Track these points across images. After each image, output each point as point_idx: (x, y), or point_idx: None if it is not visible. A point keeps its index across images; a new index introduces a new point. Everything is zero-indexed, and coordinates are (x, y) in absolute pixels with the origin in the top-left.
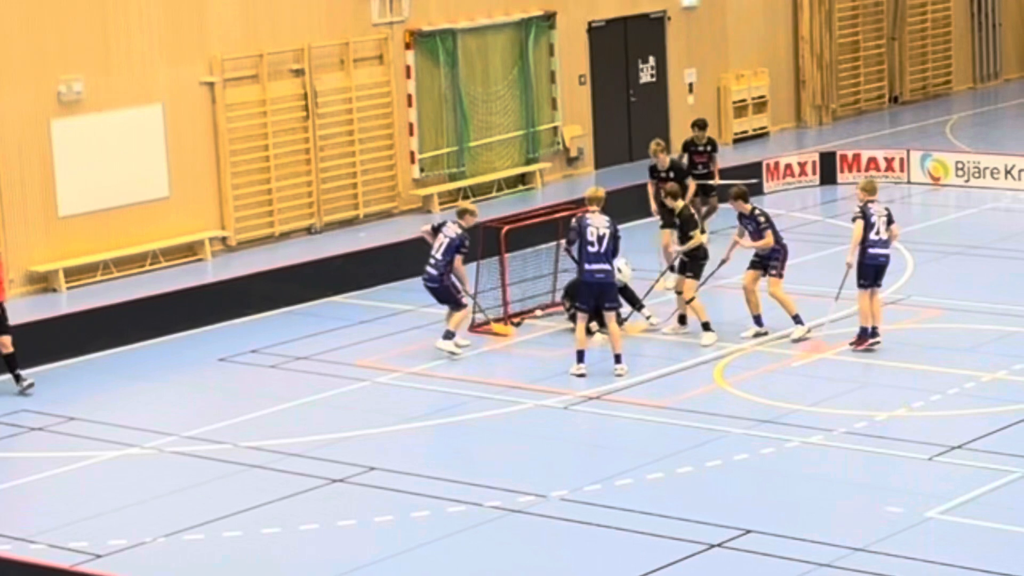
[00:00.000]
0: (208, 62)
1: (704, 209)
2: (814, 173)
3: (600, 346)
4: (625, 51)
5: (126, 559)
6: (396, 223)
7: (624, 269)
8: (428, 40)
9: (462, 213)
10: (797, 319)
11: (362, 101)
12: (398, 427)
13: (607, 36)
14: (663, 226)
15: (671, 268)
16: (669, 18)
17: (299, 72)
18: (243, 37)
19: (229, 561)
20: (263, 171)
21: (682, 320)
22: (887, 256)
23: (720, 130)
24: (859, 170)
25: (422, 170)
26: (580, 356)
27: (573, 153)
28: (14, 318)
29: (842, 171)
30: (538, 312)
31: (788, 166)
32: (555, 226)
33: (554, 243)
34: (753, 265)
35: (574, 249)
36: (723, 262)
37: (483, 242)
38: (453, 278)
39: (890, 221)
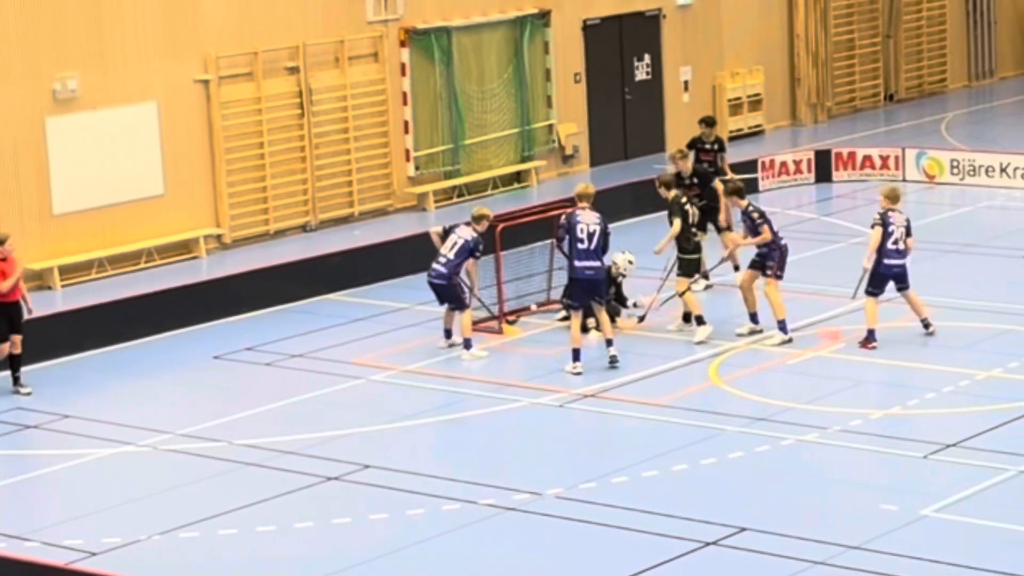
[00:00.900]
0: (203, 60)
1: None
2: (809, 171)
3: (598, 340)
4: (620, 49)
5: (121, 557)
6: (391, 221)
7: (621, 262)
8: (423, 38)
9: (478, 218)
10: (782, 325)
11: (357, 99)
12: (393, 425)
13: (602, 34)
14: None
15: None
16: (664, 16)
17: (294, 70)
18: (238, 34)
19: (224, 559)
20: (258, 169)
21: (686, 319)
22: (902, 266)
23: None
24: (854, 168)
25: (417, 168)
26: (576, 354)
27: (568, 151)
28: None
29: (837, 169)
30: (533, 307)
31: (783, 164)
32: (550, 224)
33: (549, 241)
34: (753, 264)
35: (564, 246)
36: (723, 260)
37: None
38: (463, 279)
39: (908, 232)
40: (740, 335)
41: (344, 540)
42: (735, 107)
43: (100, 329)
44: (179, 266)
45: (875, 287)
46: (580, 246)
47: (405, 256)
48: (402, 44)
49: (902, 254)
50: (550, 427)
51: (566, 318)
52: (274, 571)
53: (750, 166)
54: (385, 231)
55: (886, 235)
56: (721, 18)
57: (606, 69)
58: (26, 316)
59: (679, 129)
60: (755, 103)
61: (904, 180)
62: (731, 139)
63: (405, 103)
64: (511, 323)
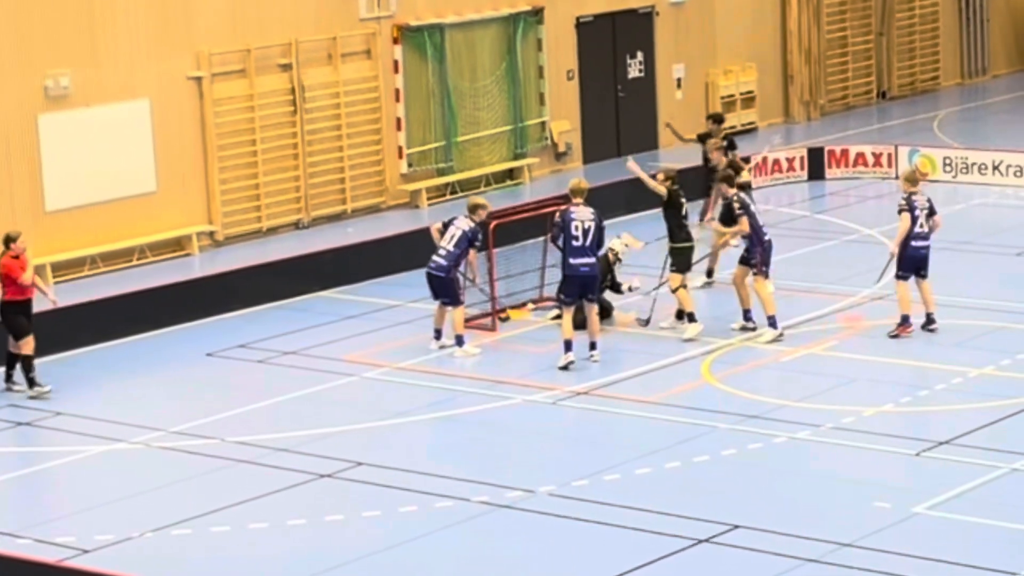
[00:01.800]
0: (195, 57)
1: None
2: (802, 169)
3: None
4: (613, 46)
5: (113, 554)
6: (384, 218)
7: (618, 246)
8: (416, 35)
9: (474, 208)
10: (771, 321)
11: (350, 96)
12: (386, 422)
13: (595, 31)
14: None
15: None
16: (657, 13)
17: (287, 67)
18: (230, 32)
19: (217, 556)
20: (251, 166)
21: (679, 316)
22: (927, 248)
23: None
24: (847, 166)
25: (410, 165)
26: (568, 346)
27: (561, 148)
28: None
29: (830, 166)
30: (529, 306)
31: (776, 161)
32: (543, 221)
33: (542, 238)
34: (742, 260)
35: (560, 243)
36: (710, 254)
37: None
38: (463, 273)
39: (931, 212)
40: (734, 330)
41: (337, 537)
42: (728, 104)
43: (92, 326)
44: (172, 263)
45: (904, 270)
46: (575, 243)
47: (398, 253)
48: (395, 41)
49: (927, 236)
50: (543, 424)
51: (559, 316)
52: (267, 568)
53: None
54: (378, 228)
55: (913, 219)
56: (714, 15)
57: (599, 66)
58: (51, 307)
59: (672, 126)
60: (748, 100)
61: (897, 178)
62: (724, 136)
63: (398, 100)
64: (504, 320)
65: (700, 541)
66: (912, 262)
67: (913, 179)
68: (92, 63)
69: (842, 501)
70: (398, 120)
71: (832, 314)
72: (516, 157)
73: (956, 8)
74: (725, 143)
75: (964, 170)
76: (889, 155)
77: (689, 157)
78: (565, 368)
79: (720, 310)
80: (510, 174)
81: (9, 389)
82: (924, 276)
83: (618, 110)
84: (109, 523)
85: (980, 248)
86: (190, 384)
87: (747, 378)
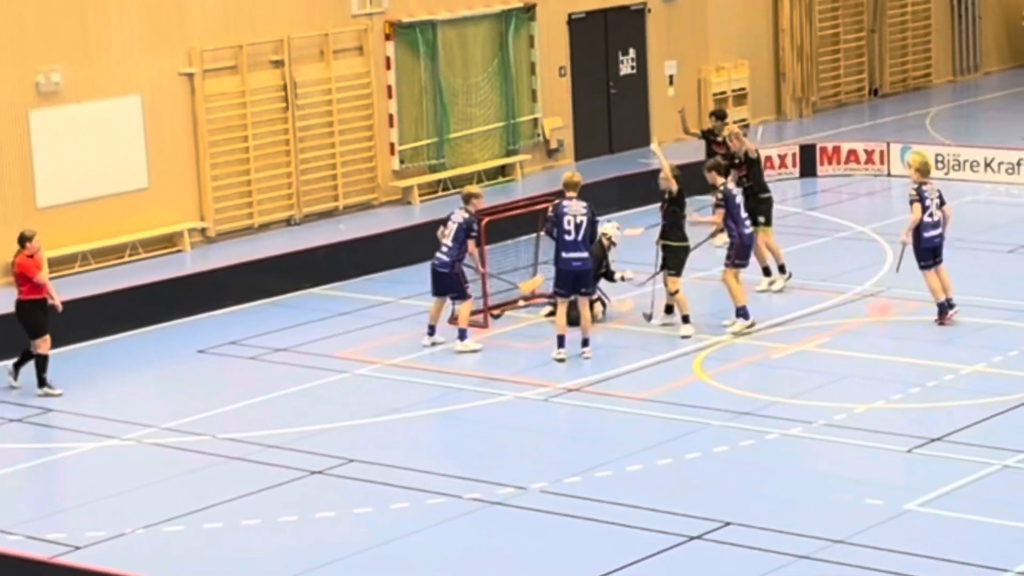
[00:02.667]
0: (187, 53)
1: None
2: (794, 165)
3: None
4: (605, 43)
5: (105, 551)
6: (376, 215)
7: (611, 230)
8: (408, 31)
9: (468, 198)
10: (741, 312)
11: (342, 92)
12: (377, 419)
13: (587, 28)
14: (753, 223)
15: (766, 271)
16: (649, 10)
17: (279, 63)
18: (222, 28)
19: (208, 553)
20: (242, 162)
21: (668, 310)
22: (941, 236)
23: (700, 122)
24: (839, 163)
25: (402, 161)
26: (560, 341)
27: (553, 145)
28: None
29: (822, 164)
30: (520, 303)
31: (768, 158)
32: (535, 218)
33: (534, 235)
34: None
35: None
36: (708, 237)
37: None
38: (468, 267)
39: (942, 202)
40: (725, 327)
41: (328, 534)
42: (720, 101)
43: (84, 323)
44: (163, 260)
45: (925, 260)
46: (567, 237)
47: (390, 250)
48: (387, 37)
49: (938, 224)
50: (535, 421)
51: (551, 313)
52: (259, 564)
53: None
54: (370, 225)
55: (923, 209)
56: (706, 12)
57: (591, 63)
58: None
59: (664, 123)
60: (740, 97)
61: (889, 175)
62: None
63: (390, 97)
64: (496, 316)
65: (692, 538)
66: (928, 252)
67: (924, 170)
68: (84, 59)
69: (834, 498)
70: (390, 117)
71: (820, 312)
72: (508, 154)
73: (948, 5)
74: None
75: (956, 167)
76: (881, 152)
77: (690, 153)
78: (560, 360)
79: (714, 307)
80: (502, 171)
81: (11, 386)
82: (939, 262)
83: (610, 107)
84: (101, 520)
85: (972, 245)
86: (182, 381)
87: (739, 375)
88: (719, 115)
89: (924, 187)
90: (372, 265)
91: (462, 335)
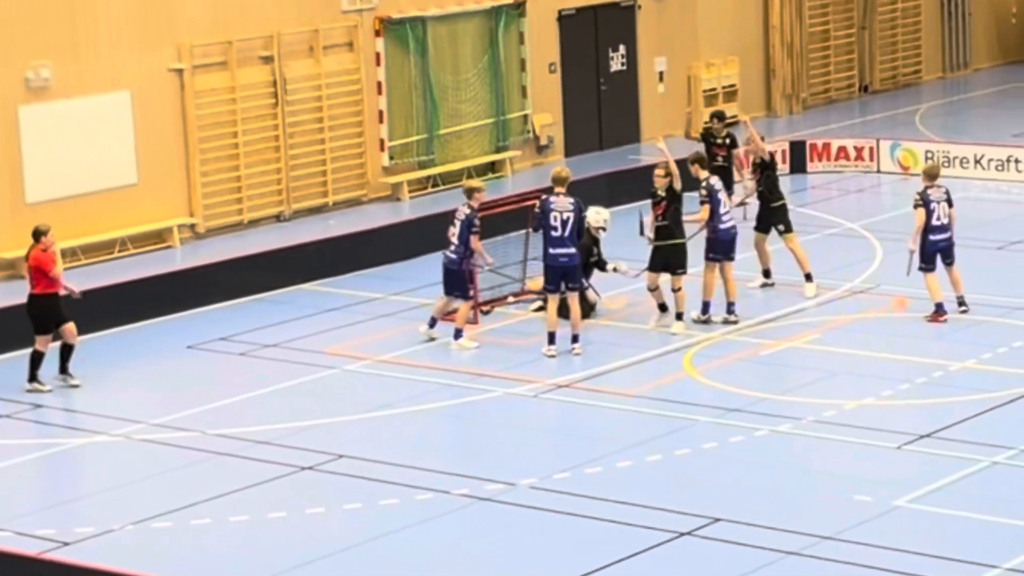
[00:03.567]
0: (177, 49)
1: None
2: (784, 162)
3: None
4: (595, 39)
5: (94, 547)
6: (365, 211)
7: (595, 218)
8: (398, 27)
9: (470, 192)
10: (706, 307)
11: (331, 88)
12: (367, 415)
13: (577, 24)
14: (756, 228)
15: (766, 273)
16: (639, 6)
17: (268, 59)
18: (212, 24)
19: (197, 549)
20: (232, 158)
21: (663, 308)
22: (947, 239)
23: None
24: (829, 159)
25: (391, 158)
26: (551, 338)
27: (543, 141)
28: None
29: (812, 160)
30: (510, 299)
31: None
32: (524, 214)
33: (523, 231)
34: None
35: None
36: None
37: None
38: (475, 262)
39: (949, 204)
40: (716, 323)
41: (318, 530)
42: (710, 98)
43: (73, 318)
44: (152, 255)
45: (927, 263)
46: (553, 233)
47: (379, 246)
48: (377, 34)
49: (945, 228)
50: (524, 417)
51: (540, 308)
52: (247, 561)
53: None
54: (359, 221)
55: (928, 213)
56: (696, 9)
57: (581, 59)
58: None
59: (654, 120)
60: (730, 94)
61: (879, 171)
62: (726, 135)
63: (380, 93)
64: (486, 312)
65: (681, 534)
66: (933, 255)
67: (932, 173)
68: (73, 55)
69: (823, 494)
70: (380, 113)
71: (810, 308)
72: (498, 150)
73: (938, 2)
74: (728, 140)
75: (946, 164)
76: (871, 149)
77: (685, 150)
78: (551, 356)
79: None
80: (492, 167)
81: (65, 382)
82: (950, 263)
83: (600, 103)
84: (89, 516)
85: (962, 242)
86: (171, 377)
87: (728, 371)
88: (719, 116)
89: (929, 191)
90: (362, 261)
91: (458, 334)
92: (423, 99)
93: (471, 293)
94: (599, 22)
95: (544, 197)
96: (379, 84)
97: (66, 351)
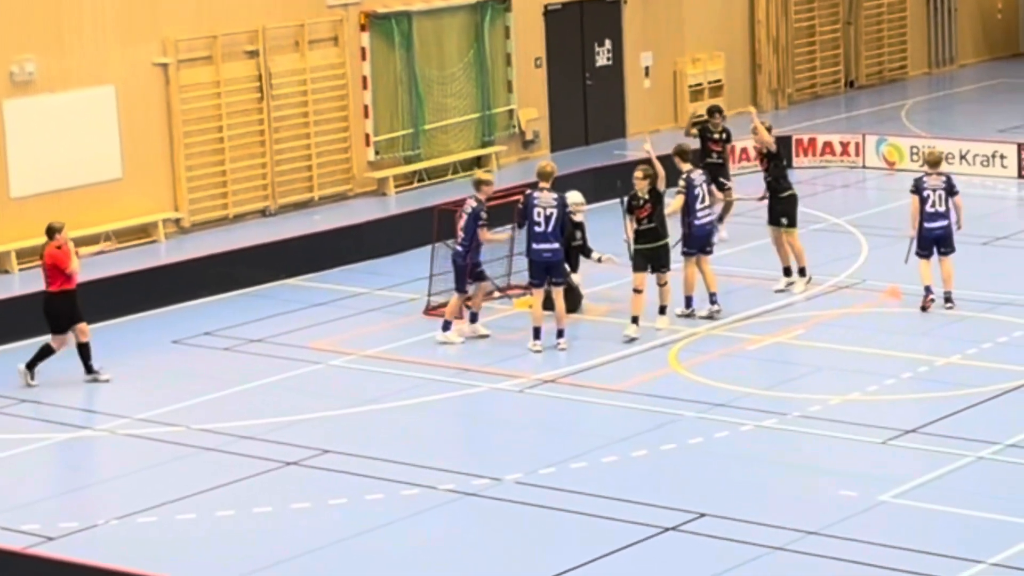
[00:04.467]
0: (162, 43)
1: (719, 207)
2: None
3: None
4: (581, 34)
5: (78, 541)
6: (351, 206)
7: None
8: (383, 22)
9: (477, 184)
10: (688, 301)
11: (317, 83)
12: (352, 410)
13: (563, 19)
14: (769, 222)
15: (787, 271)
16: (625, 1)
17: (253, 53)
18: (197, 18)
19: (182, 544)
20: (217, 153)
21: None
22: (942, 228)
23: (676, 114)
24: (814, 154)
25: (377, 152)
26: (536, 333)
27: (529, 136)
28: None
29: (797, 155)
30: (495, 295)
31: (744, 150)
32: (510, 209)
33: (509, 226)
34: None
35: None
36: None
37: (438, 225)
38: (482, 258)
39: (951, 193)
40: (702, 317)
41: (303, 525)
42: (696, 93)
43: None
44: (137, 250)
45: (922, 249)
46: (536, 229)
47: (365, 241)
48: (362, 28)
49: (942, 216)
50: (510, 412)
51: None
52: (233, 556)
53: None
54: (345, 216)
55: (923, 201)
56: (682, 4)
57: (567, 54)
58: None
59: (640, 115)
60: (716, 89)
61: (864, 167)
62: (694, 125)
63: (365, 87)
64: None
65: (667, 529)
66: (927, 242)
67: (931, 161)
68: (58, 49)
69: (808, 489)
70: (365, 108)
71: (795, 303)
72: (484, 145)
73: None
74: (724, 135)
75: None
76: (857, 144)
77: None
78: (536, 351)
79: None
80: (477, 162)
81: (95, 379)
82: (944, 254)
83: (586, 98)
84: (74, 510)
85: None
86: (156, 371)
87: (714, 366)
88: (716, 111)
89: (927, 179)
90: (347, 256)
91: (446, 326)
92: (409, 94)
93: (466, 288)
94: (585, 17)
95: (528, 192)
96: (364, 79)
97: (84, 351)
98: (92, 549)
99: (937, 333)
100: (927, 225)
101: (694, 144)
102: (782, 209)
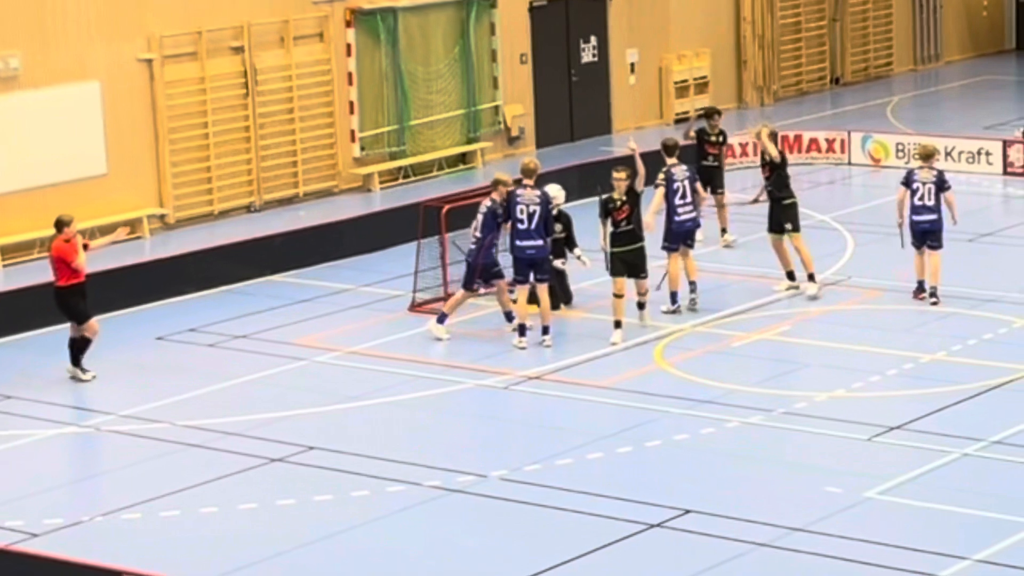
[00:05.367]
0: (147, 39)
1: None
2: (755, 154)
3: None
4: (567, 31)
5: (62, 538)
6: (336, 202)
7: (557, 193)
8: (369, 18)
9: (495, 183)
10: (674, 297)
11: (302, 79)
12: (337, 407)
13: (549, 15)
14: (770, 229)
15: (790, 275)
16: None
17: (239, 50)
18: (182, 14)
19: (167, 541)
20: (202, 149)
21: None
22: (930, 221)
23: (661, 111)
24: (800, 151)
25: (362, 149)
26: (522, 329)
27: (514, 132)
28: None
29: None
30: (480, 291)
31: (730, 147)
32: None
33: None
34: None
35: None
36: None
37: (423, 221)
38: (493, 257)
39: (941, 188)
40: (687, 308)
41: (288, 521)
42: (681, 90)
43: (42, 309)
44: (122, 246)
45: (914, 238)
46: (520, 226)
47: (350, 237)
48: (348, 24)
49: (929, 210)
50: (495, 409)
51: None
52: (217, 552)
53: None
54: (330, 212)
55: (912, 192)
56: (668, 0)
57: (552, 51)
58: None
59: (625, 111)
60: (701, 86)
61: (850, 163)
62: (677, 122)
63: (351, 83)
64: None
65: (652, 526)
66: (915, 235)
67: (924, 154)
68: (42, 45)
69: (793, 486)
70: (351, 104)
71: (781, 300)
72: (469, 141)
73: None
74: (721, 138)
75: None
76: (842, 141)
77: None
78: (521, 348)
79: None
80: (463, 158)
81: (76, 377)
82: (933, 248)
83: (571, 94)
84: (59, 507)
85: None
86: (140, 368)
87: (699, 363)
88: (713, 112)
89: (915, 171)
90: (332, 252)
91: (441, 318)
92: (394, 90)
93: (474, 285)
94: (570, 13)
95: (512, 189)
96: (350, 75)
97: (84, 344)
98: (77, 546)
99: (923, 330)
100: (914, 218)
101: (684, 142)
102: (784, 216)
